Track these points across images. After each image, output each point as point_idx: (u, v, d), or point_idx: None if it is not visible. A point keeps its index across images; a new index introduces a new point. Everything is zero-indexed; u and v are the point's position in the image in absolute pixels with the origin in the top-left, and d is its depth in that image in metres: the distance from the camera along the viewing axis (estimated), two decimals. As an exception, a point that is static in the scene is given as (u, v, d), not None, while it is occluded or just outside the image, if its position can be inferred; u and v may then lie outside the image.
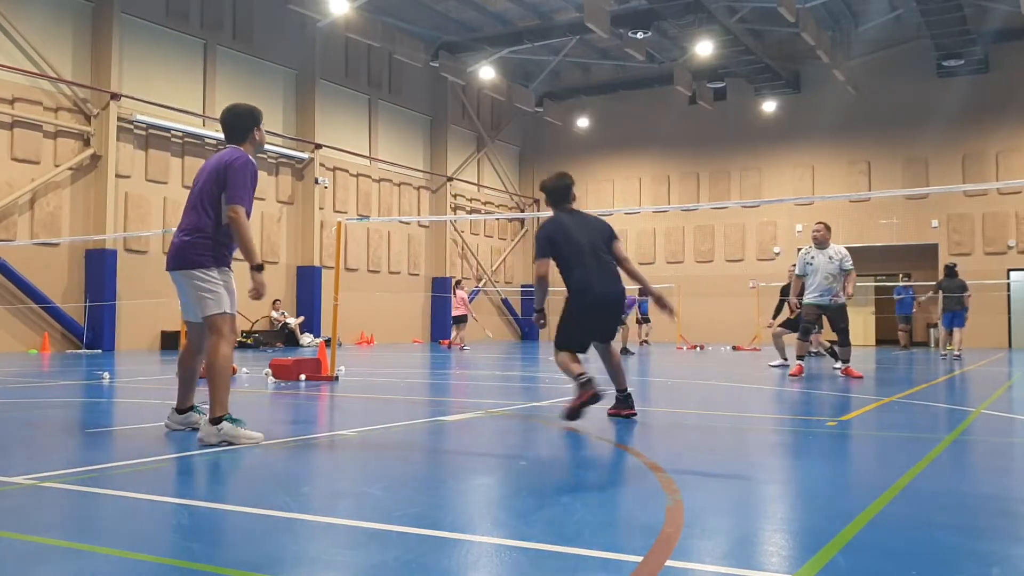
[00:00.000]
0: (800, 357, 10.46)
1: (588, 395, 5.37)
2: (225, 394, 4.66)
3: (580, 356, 5.73)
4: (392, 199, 25.68)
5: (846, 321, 10.26)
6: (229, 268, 4.91)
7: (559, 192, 6.05)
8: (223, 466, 4.17)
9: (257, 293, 4.83)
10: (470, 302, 23.02)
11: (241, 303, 5.10)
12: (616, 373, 6.03)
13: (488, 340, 26.10)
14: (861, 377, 10.06)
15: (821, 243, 10.29)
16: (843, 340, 10.26)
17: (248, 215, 4.82)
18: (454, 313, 20.64)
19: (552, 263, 5.84)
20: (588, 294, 5.75)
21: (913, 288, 21.56)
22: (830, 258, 10.15)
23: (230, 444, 4.57)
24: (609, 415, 6.00)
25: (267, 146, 21.46)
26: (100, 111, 17.69)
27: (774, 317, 15.10)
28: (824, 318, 10.46)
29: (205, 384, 4.75)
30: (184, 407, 5.16)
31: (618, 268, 5.94)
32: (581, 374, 5.48)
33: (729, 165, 27.97)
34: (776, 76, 25.51)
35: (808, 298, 10.33)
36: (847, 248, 10.59)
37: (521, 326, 30.50)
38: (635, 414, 6.02)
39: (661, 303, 5.79)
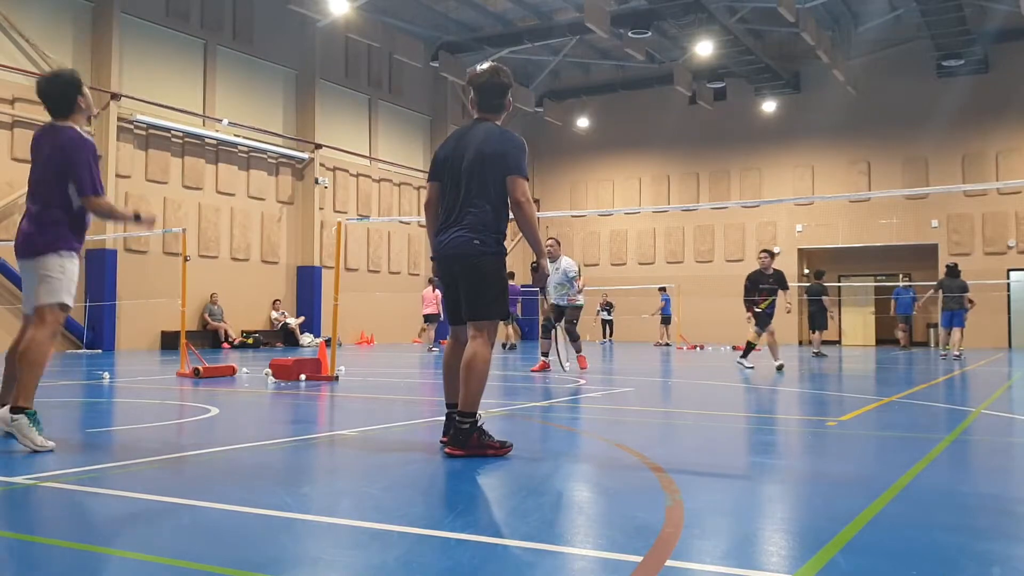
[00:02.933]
0: (544, 354, 11.43)
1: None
2: (34, 388, 4.43)
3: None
4: (392, 199, 25.67)
5: (574, 319, 11.69)
6: (76, 253, 4.70)
7: (482, 91, 4.39)
8: (223, 466, 4.17)
9: (150, 218, 4.93)
10: None
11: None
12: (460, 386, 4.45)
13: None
14: (585, 367, 11.45)
15: (552, 257, 11.35)
16: (572, 335, 11.59)
17: (103, 191, 4.67)
18: (427, 311, 19.40)
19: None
20: (434, 243, 4.35)
21: (913, 288, 21.55)
22: (557, 269, 11.41)
23: (15, 438, 4.34)
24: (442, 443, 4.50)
25: (267, 146, 21.83)
26: (100, 111, 17.68)
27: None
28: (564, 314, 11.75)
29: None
30: (11, 403, 4.59)
31: (491, 216, 4.23)
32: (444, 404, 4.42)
33: (729, 165, 27.96)
34: (776, 76, 25.50)
35: (551, 299, 11.74)
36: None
37: (521, 326, 30.49)
38: (460, 453, 4.28)
39: (538, 275, 4.64)
